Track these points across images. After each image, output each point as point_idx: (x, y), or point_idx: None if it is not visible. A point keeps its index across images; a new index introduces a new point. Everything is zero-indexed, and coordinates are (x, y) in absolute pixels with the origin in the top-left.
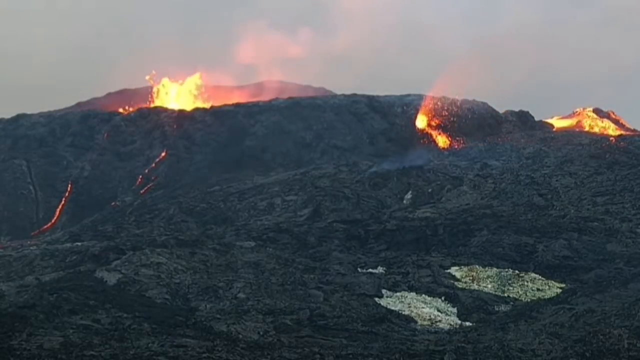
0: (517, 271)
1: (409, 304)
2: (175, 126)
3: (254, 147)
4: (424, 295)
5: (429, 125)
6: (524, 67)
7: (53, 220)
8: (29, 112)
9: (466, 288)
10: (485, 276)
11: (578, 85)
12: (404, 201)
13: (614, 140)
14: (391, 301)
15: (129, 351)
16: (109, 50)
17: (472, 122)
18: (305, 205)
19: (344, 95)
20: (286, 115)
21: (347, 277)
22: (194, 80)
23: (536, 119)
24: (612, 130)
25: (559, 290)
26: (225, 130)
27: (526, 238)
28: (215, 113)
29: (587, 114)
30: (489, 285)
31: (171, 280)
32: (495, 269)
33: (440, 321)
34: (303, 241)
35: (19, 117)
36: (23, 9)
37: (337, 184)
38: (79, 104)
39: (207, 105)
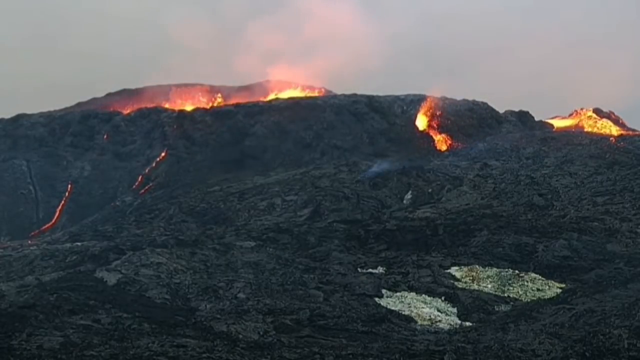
0: (517, 271)
1: (409, 304)
2: (175, 126)
3: (254, 147)
4: (424, 295)
5: (429, 125)
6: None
7: (53, 220)
8: (29, 112)
9: (466, 288)
10: (485, 276)
11: None
12: (404, 201)
13: (614, 140)
14: (391, 301)
15: (129, 351)
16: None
17: (472, 122)
18: (305, 205)
19: (344, 95)
20: (286, 115)
21: (347, 277)
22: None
23: (536, 119)
24: (612, 130)
25: (559, 290)
26: (225, 130)
27: (526, 238)
28: (215, 113)
29: (587, 114)
30: (489, 285)
31: (171, 280)
32: (495, 269)
33: (440, 321)
34: (303, 241)
35: (19, 117)
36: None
37: (337, 184)
38: (79, 104)
39: (207, 105)
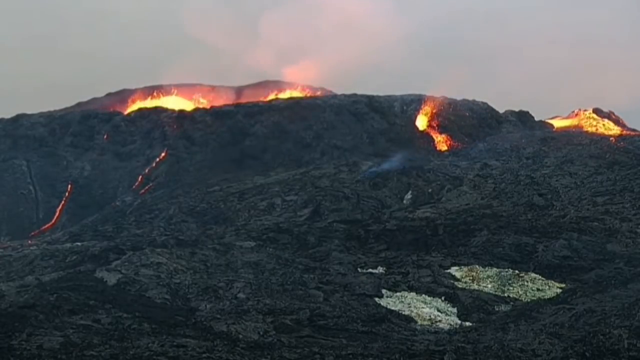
0: (517, 271)
1: (409, 304)
2: (175, 126)
3: (254, 147)
4: (424, 295)
5: (429, 125)
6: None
7: (53, 220)
8: (29, 112)
9: (466, 288)
10: (485, 276)
11: None
12: (404, 201)
13: (614, 140)
14: (391, 301)
15: (129, 351)
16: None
17: (472, 122)
18: (305, 205)
19: (344, 95)
20: (286, 115)
21: (347, 277)
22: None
23: (536, 119)
24: (612, 130)
25: (559, 290)
26: (225, 130)
27: (526, 238)
28: (215, 113)
29: (587, 114)
30: (489, 285)
31: (171, 280)
32: (495, 269)
33: (440, 321)
34: (303, 241)
35: (19, 117)
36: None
37: (337, 184)
38: (79, 104)
39: (207, 105)
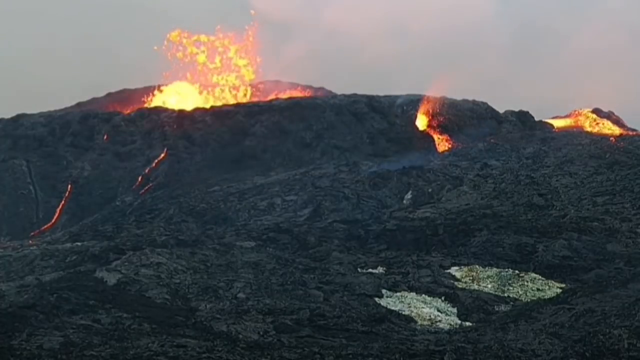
0: (517, 271)
1: (409, 304)
2: (175, 126)
3: (254, 147)
4: (424, 295)
5: (429, 125)
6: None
7: (53, 220)
8: (29, 112)
9: (466, 288)
10: (485, 276)
11: None
12: (404, 201)
13: (614, 140)
14: (391, 301)
15: (129, 351)
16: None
17: (472, 122)
18: (305, 205)
19: (344, 95)
20: (286, 115)
21: (347, 277)
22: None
23: (536, 119)
24: (612, 130)
25: (559, 290)
26: (225, 130)
27: (526, 238)
28: (215, 113)
29: (587, 114)
30: (489, 285)
31: (171, 280)
32: (495, 269)
33: (440, 321)
34: (303, 241)
35: (19, 117)
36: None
37: (337, 184)
38: (79, 104)
39: (207, 105)
